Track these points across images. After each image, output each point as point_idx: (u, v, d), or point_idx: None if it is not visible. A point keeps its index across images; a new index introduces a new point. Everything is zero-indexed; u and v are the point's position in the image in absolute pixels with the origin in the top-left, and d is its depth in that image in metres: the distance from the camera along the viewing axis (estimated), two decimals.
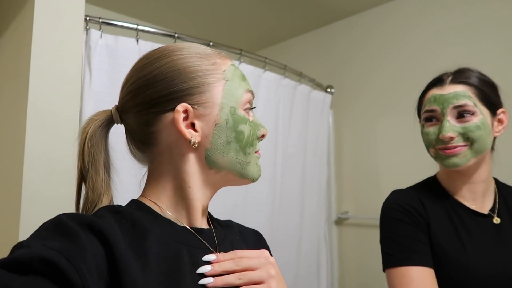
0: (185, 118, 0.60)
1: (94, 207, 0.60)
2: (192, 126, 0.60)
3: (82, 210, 0.61)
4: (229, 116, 0.61)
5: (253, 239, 0.75)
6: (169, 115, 0.59)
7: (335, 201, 2.35)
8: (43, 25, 1.12)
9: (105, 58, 1.34)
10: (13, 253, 0.45)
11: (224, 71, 0.63)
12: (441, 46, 1.98)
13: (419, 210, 0.95)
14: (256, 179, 0.67)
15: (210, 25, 2.51)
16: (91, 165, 0.60)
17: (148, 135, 0.61)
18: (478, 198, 0.97)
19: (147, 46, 1.40)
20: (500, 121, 0.96)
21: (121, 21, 1.42)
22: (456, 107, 0.91)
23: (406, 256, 0.90)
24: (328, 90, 2.37)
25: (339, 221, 2.34)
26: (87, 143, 0.60)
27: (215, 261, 0.59)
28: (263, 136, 0.67)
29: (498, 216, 0.96)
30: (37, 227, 0.50)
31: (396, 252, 0.92)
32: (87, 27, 1.33)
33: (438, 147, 0.94)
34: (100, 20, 1.34)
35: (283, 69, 2.03)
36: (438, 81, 0.97)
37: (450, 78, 0.95)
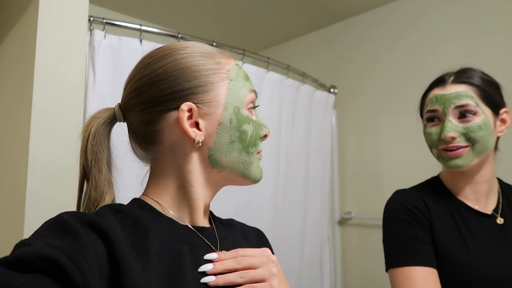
0: (189, 117, 0.60)
1: (97, 205, 0.60)
2: (196, 125, 0.60)
3: (84, 209, 0.61)
4: (233, 116, 0.61)
5: (254, 238, 0.75)
6: (173, 114, 0.59)
7: (338, 201, 2.34)
8: (47, 26, 1.12)
9: (108, 59, 1.35)
10: (15, 251, 0.45)
11: (228, 70, 0.63)
12: (444, 45, 1.97)
13: (422, 210, 0.95)
14: (258, 180, 0.67)
15: (213, 26, 2.52)
16: (94, 163, 0.60)
17: (151, 133, 0.61)
18: (481, 198, 0.97)
19: (150, 47, 1.41)
20: (503, 121, 0.95)
21: (125, 22, 1.43)
22: (457, 107, 0.91)
23: (409, 256, 0.90)
24: (331, 90, 2.36)
25: (342, 221, 2.34)
26: (90, 141, 0.60)
27: (217, 260, 0.59)
28: (265, 136, 0.67)
29: (501, 217, 0.95)
30: None
31: (399, 252, 0.92)
32: (91, 28, 1.33)
33: (441, 148, 0.94)
34: (104, 21, 1.35)
35: (286, 69, 2.03)
36: (440, 81, 0.97)
37: (452, 78, 0.95)
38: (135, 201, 0.63)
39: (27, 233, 1.02)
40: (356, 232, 2.29)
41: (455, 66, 0.99)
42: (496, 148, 0.99)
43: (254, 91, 0.66)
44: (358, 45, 2.36)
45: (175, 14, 2.37)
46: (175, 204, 0.62)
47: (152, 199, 0.62)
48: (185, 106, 0.59)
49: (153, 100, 0.60)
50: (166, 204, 0.62)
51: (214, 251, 0.61)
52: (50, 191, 1.09)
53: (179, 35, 1.52)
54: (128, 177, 1.12)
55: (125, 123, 0.66)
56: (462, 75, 0.94)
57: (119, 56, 1.36)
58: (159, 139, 0.61)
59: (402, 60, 2.14)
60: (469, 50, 1.88)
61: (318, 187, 2.17)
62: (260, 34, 2.66)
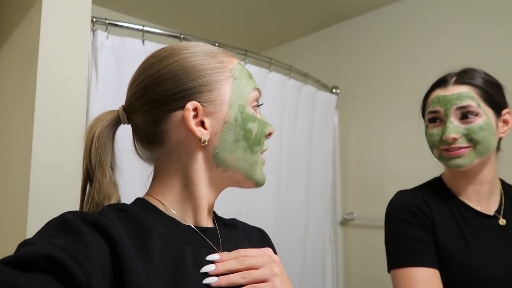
0: (195, 116, 0.60)
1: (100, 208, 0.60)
2: (202, 124, 0.60)
3: (87, 211, 0.61)
4: (238, 114, 0.61)
5: (257, 238, 0.75)
6: (178, 114, 0.60)
7: (340, 202, 2.34)
8: (50, 26, 1.13)
9: (111, 59, 1.35)
10: (19, 250, 0.45)
11: (231, 69, 0.63)
12: (447, 46, 1.97)
13: (424, 211, 0.95)
14: (261, 183, 0.67)
15: (215, 26, 2.52)
16: (98, 166, 0.60)
17: (156, 134, 0.61)
18: (484, 199, 0.97)
19: (152, 47, 1.41)
20: (505, 122, 0.95)
21: (127, 22, 1.43)
22: (459, 108, 0.91)
23: (411, 257, 0.90)
24: (333, 90, 2.36)
25: (344, 222, 2.33)
26: (95, 143, 0.60)
27: (219, 260, 0.59)
28: (270, 134, 0.67)
29: (503, 218, 0.95)
30: None
31: (401, 252, 0.92)
32: (94, 28, 1.34)
33: (442, 148, 0.93)
34: (107, 21, 1.35)
35: (288, 69, 2.03)
36: (441, 82, 0.97)
37: (454, 79, 0.95)
38: (138, 200, 0.63)
39: (29, 235, 1.02)
40: (358, 232, 2.28)
41: (458, 66, 0.99)
42: (498, 148, 0.99)
43: (258, 89, 0.66)
44: (360, 45, 2.35)
45: (178, 15, 2.38)
46: (178, 204, 0.62)
47: (155, 198, 0.62)
48: (190, 105, 0.59)
49: (158, 100, 0.60)
50: (169, 204, 0.62)
51: (216, 251, 0.61)
52: (52, 193, 1.09)
53: (181, 36, 1.52)
54: (131, 177, 1.13)
55: (127, 125, 0.66)
56: (464, 76, 0.94)
57: (122, 57, 1.37)
58: (164, 139, 0.61)
59: (404, 60, 2.14)
60: (472, 48, 1.87)
61: (320, 188, 2.17)
62: (262, 34, 2.66)
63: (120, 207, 0.58)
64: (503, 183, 1.03)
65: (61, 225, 0.49)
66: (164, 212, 0.61)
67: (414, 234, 0.92)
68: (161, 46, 0.66)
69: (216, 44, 1.59)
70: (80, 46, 1.19)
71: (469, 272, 0.88)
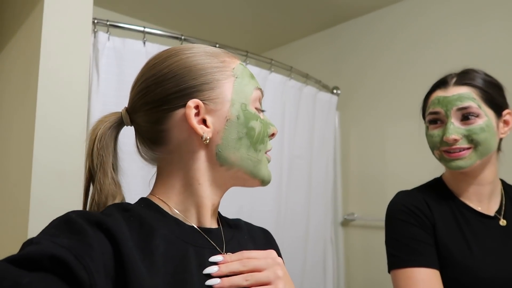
0: (197, 114, 0.60)
1: (103, 208, 0.60)
2: (204, 122, 0.60)
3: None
4: (240, 112, 0.61)
5: (261, 238, 0.75)
6: (180, 112, 0.60)
7: (341, 203, 2.34)
8: (51, 28, 1.13)
9: (112, 60, 1.36)
10: (23, 249, 0.46)
11: (233, 68, 0.63)
12: (448, 46, 1.97)
13: (424, 211, 0.95)
14: (267, 181, 0.67)
15: (216, 27, 2.52)
16: (99, 167, 0.60)
17: (159, 133, 0.61)
18: (484, 199, 0.97)
19: (154, 48, 1.42)
20: (506, 123, 0.95)
21: (129, 24, 1.44)
22: (460, 109, 0.91)
23: (412, 258, 0.90)
24: (334, 91, 2.37)
25: (345, 223, 2.33)
26: (97, 144, 0.61)
27: (222, 262, 0.58)
28: (273, 135, 0.67)
29: (504, 218, 0.95)
30: None
31: (401, 253, 0.92)
32: (95, 30, 1.34)
33: (443, 149, 0.93)
34: (108, 23, 1.36)
35: (289, 70, 2.03)
36: (442, 83, 0.97)
37: (454, 80, 0.95)
38: (142, 200, 0.63)
39: (31, 236, 1.02)
40: (359, 233, 2.28)
41: (458, 66, 0.99)
42: (499, 149, 0.98)
43: (260, 89, 0.66)
44: (361, 46, 2.36)
45: (179, 16, 2.38)
46: (182, 204, 0.62)
47: (159, 198, 0.63)
48: (191, 102, 0.59)
49: (160, 99, 0.60)
50: (173, 204, 0.62)
51: (220, 252, 0.61)
52: (53, 193, 1.09)
53: (183, 37, 1.52)
54: (133, 178, 1.13)
55: (130, 127, 0.66)
56: (464, 77, 0.94)
57: (123, 58, 1.37)
58: (167, 139, 0.61)
59: (405, 61, 2.14)
60: (473, 48, 1.87)
61: (321, 188, 2.17)
62: (263, 35, 2.66)
63: (124, 207, 0.58)
64: (503, 183, 1.03)
65: (65, 224, 0.49)
66: (167, 212, 0.61)
67: (415, 234, 0.92)
68: (162, 47, 0.67)
69: (217, 45, 1.60)
70: (82, 47, 1.19)
71: (469, 272, 0.88)
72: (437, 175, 1.06)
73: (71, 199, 1.09)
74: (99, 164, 0.60)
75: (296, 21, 2.45)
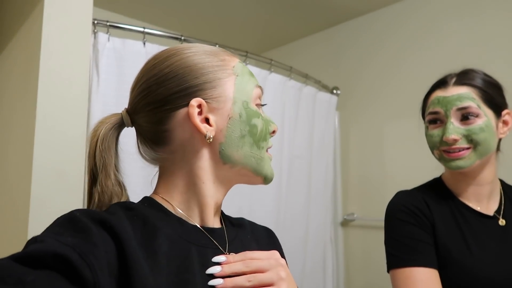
0: (199, 113, 0.60)
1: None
2: (206, 121, 0.60)
3: None
4: (242, 110, 0.61)
5: (265, 238, 0.75)
6: (182, 111, 0.60)
7: (341, 203, 2.34)
8: (51, 29, 1.13)
9: (112, 61, 1.36)
10: (27, 247, 0.46)
11: (233, 67, 0.63)
12: (449, 47, 1.97)
13: (424, 211, 0.95)
14: (269, 179, 0.67)
15: (216, 27, 2.53)
16: (102, 169, 0.60)
17: (161, 133, 0.61)
18: (484, 199, 0.97)
19: (154, 49, 1.42)
20: (505, 123, 0.95)
21: (128, 24, 1.44)
22: (459, 109, 0.91)
23: (411, 257, 0.90)
24: (334, 91, 2.37)
25: (345, 223, 2.34)
26: (99, 146, 0.61)
27: (225, 262, 0.58)
28: (274, 132, 0.67)
29: (503, 218, 0.95)
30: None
31: (400, 253, 0.92)
32: (95, 30, 1.34)
33: (442, 149, 0.94)
34: (108, 24, 1.36)
35: (289, 70, 2.03)
36: (441, 83, 0.97)
37: (454, 80, 0.95)
38: (145, 199, 0.63)
39: (31, 236, 1.02)
40: (359, 233, 2.28)
41: (459, 66, 0.99)
42: (498, 149, 0.99)
43: (260, 87, 0.66)
44: (360, 46, 2.36)
45: (178, 17, 2.38)
46: (185, 203, 0.62)
47: (162, 198, 0.63)
48: (194, 101, 0.59)
49: (162, 100, 0.60)
50: (176, 203, 0.62)
51: (222, 252, 0.61)
52: (53, 194, 1.09)
53: (182, 37, 1.53)
54: (133, 178, 1.13)
55: (131, 128, 0.66)
56: (464, 77, 0.94)
57: (123, 59, 1.37)
58: (169, 139, 0.61)
59: (405, 61, 2.14)
60: (473, 48, 1.87)
61: (321, 188, 2.17)
62: (263, 36, 2.67)
63: (127, 206, 0.58)
64: (503, 183, 1.03)
65: (69, 222, 0.49)
66: (171, 212, 0.61)
67: (414, 234, 0.92)
68: (162, 47, 0.67)
69: (217, 45, 1.59)
70: (82, 48, 1.19)
71: (469, 272, 0.88)
72: (437, 175, 1.06)
73: (71, 199, 1.10)
74: (101, 166, 0.60)
75: (295, 21, 2.46)
